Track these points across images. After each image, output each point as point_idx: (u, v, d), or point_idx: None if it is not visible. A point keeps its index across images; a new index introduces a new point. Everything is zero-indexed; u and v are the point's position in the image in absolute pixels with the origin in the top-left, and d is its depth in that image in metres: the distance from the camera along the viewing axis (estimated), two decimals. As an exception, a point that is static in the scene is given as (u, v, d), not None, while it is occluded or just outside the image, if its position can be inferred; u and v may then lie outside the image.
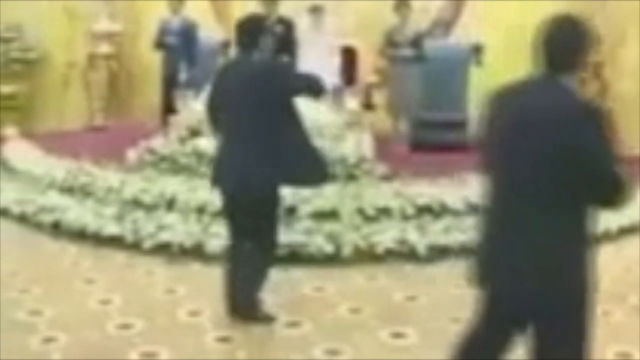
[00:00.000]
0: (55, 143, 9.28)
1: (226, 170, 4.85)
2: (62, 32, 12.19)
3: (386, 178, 7.15)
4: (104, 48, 12.29)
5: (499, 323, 3.16)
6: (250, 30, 4.94)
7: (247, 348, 4.57)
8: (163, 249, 6.17)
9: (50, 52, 12.30)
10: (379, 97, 9.82)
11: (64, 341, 4.64)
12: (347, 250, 6.09)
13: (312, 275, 5.83)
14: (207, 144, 7.08)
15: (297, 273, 5.88)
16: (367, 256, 6.14)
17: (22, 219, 7.27)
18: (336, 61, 9.32)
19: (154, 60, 10.65)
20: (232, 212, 4.90)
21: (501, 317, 3.14)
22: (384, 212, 6.56)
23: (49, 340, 4.65)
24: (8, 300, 5.34)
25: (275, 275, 5.74)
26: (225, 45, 10.43)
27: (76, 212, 6.86)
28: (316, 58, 8.69)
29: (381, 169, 7.25)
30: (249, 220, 4.74)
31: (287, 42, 8.81)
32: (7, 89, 12.12)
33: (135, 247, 6.31)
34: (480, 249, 3.18)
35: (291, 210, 6.35)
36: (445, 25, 10.74)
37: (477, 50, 9.38)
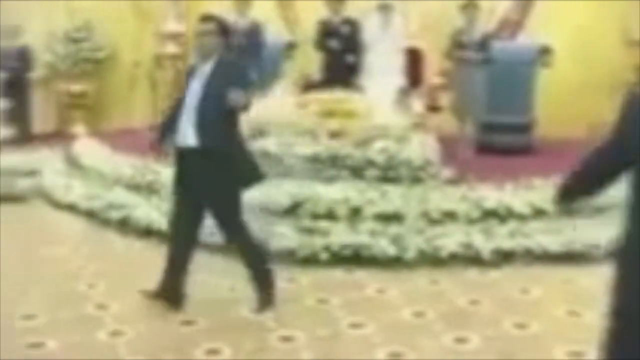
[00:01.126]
0: (122, 141, 9.44)
1: None
2: (131, 32, 12.41)
3: (451, 181, 7.07)
4: (171, 48, 12.44)
5: None
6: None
7: (311, 348, 4.56)
8: (225, 247, 6.19)
9: (119, 51, 12.53)
10: (444, 100, 9.73)
11: (129, 335, 4.71)
12: (411, 253, 6.05)
13: (376, 277, 5.81)
14: (273, 143, 7.11)
15: (361, 274, 5.87)
16: (431, 259, 6.08)
17: (91, 214, 7.43)
18: (401, 62, 9.26)
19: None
20: None
21: None
22: (449, 215, 6.49)
23: (115, 333, 4.73)
24: (76, 293, 5.46)
25: (339, 275, 5.77)
26: (290, 46, 10.47)
27: (143, 209, 6.95)
28: (382, 58, 8.67)
29: (446, 172, 7.18)
30: None
31: (352, 42, 8.82)
32: (76, 87, 12.39)
33: (199, 244, 6.34)
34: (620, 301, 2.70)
35: (356, 211, 6.33)
36: (512, 26, 10.59)
37: (544, 52, 9.22)
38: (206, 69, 4.98)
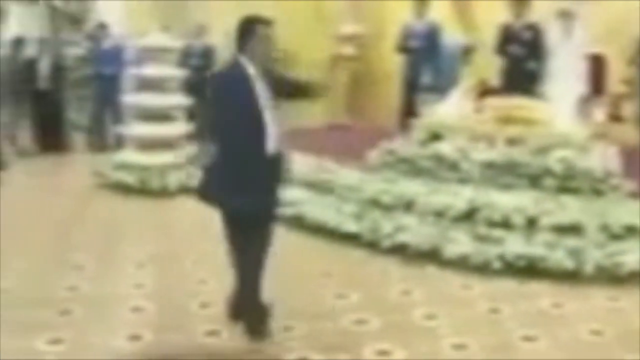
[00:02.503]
0: (297, 139, 9.63)
1: None
2: (308, 33, 12.65)
3: (634, 195, 6.75)
4: (348, 50, 12.63)
5: None
6: (240, 31, 4.62)
7: (482, 356, 4.49)
8: (399, 250, 6.21)
9: (295, 52, 12.80)
10: (627, 109, 9.33)
11: (301, 331, 4.80)
12: (589, 268, 5.81)
13: (550, 290, 5.62)
14: (448, 148, 7.06)
15: (534, 286, 5.70)
16: (610, 276, 5.81)
17: (265, 210, 7.62)
18: (582, 69, 8.95)
19: (396, 63, 10.78)
20: None
21: None
22: (631, 230, 6.19)
23: (287, 328, 4.82)
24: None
25: (512, 285, 5.64)
26: (467, 49, 10.35)
27: (317, 208, 7.07)
28: (564, 65, 8.40)
29: (629, 185, 6.86)
30: None
31: (535, 47, 8.59)
32: (254, 86, 12.75)
33: (372, 245, 6.41)
34: None
35: (532, 221, 6.17)
36: None
37: None
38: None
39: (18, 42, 11.43)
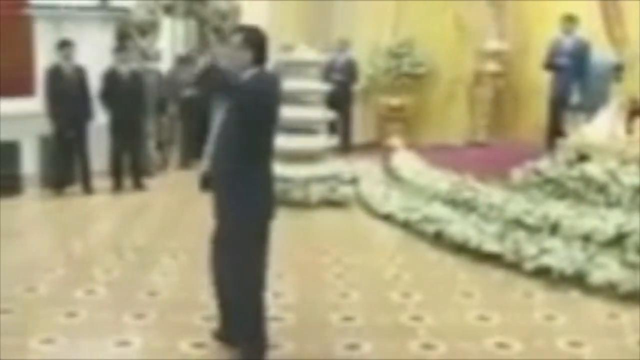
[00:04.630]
0: (437, 155, 9.61)
1: None
2: (451, 49, 12.60)
3: None
4: (491, 66, 12.47)
5: None
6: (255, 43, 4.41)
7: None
8: (543, 273, 6.05)
9: (438, 67, 12.77)
10: None
11: (442, 349, 4.75)
12: None
13: None
14: (597, 169, 6.83)
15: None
16: None
17: (406, 225, 7.64)
18: None
19: (541, 81, 10.55)
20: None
21: None
22: None
23: (428, 346, 4.79)
24: (392, 301, 5.63)
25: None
26: (618, 68, 9.99)
27: (458, 226, 7.00)
28: None
29: None
30: None
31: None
32: (395, 101, 12.82)
33: (514, 267, 6.28)
34: None
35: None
36: None
37: None
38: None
39: (182, 58, 11.84)
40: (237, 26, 5.07)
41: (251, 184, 4.32)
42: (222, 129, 4.38)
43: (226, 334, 4.68)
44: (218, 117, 4.46)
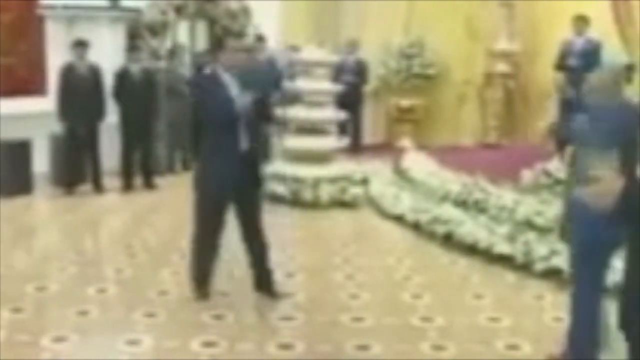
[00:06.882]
0: (448, 157, 9.59)
1: None
2: (462, 50, 12.58)
3: None
4: (502, 67, 12.44)
5: None
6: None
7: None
8: (553, 274, 6.03)
9: (449, 68, 12.74)
10: None
11: (452, 351, 4.75)
12: None
13: None
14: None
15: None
16: None
17: (416, 227, 7.62)
18: None
19: (551, 81, 10.53)
20: None
21: None
22: None
23: (438, 347, 4.79)
24: (402, 302, 5.62)
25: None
26: (629, 68, 9.95)
27: (469, 227, 6.99)
28: None
29: None
30: None
31: None
32: (406, 102, 12.81)
33: (525, 268, 6.27)
34: None
35: None
36: None
37: None
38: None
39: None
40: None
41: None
42: None
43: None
44: None
